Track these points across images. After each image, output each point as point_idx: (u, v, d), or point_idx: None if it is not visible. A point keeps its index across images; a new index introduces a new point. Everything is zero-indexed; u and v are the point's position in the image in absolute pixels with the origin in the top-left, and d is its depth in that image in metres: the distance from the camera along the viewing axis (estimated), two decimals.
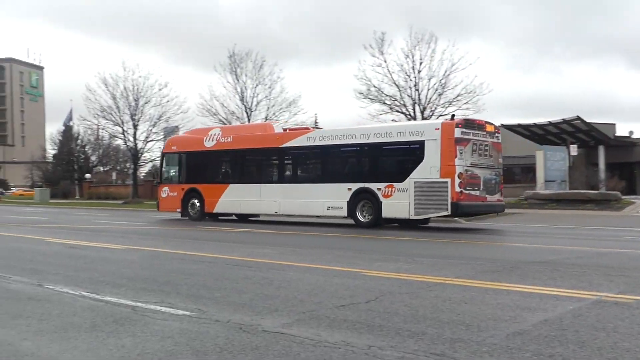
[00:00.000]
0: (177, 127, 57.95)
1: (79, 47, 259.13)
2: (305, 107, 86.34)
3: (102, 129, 62.79)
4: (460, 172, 22.45)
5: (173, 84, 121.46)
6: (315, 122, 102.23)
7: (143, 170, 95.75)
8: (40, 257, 14.21)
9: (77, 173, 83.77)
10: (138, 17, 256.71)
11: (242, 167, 28.59)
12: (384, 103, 46.85)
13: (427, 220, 24.77)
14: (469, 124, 23.36)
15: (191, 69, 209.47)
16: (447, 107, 45.81)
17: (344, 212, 24.81)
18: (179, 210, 29.86)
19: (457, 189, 22.28)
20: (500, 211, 25.37)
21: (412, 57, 46.53)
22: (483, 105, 52.18)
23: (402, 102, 46.68)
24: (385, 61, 46.94)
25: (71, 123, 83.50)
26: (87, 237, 19.48)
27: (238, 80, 51.17)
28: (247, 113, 51.13)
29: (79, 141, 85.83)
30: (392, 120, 44.00)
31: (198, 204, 29.25)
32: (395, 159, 24.11)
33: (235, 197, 28.20)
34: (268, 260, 13.19)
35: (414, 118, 45.91)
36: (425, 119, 45.04)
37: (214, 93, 52.97)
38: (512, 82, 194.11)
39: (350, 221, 25.29)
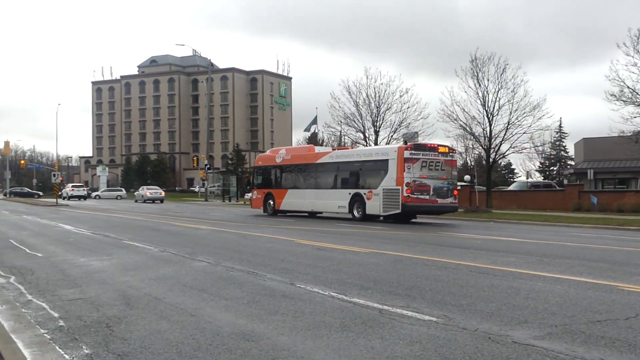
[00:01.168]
0: (416, 132, 58.22)
1: (322, 57, 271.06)
2: (550, 110, 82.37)
3: (345, 135, 64.72)
4: (408, 182, 30.62)
5: (412, 91, 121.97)
6: (560, 127, 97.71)
7: None
8: (291, 257, 15.00)
9: None
10: (376, 24, 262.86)
11: (294, 176, 38.50)
12: None
13: (414, 216, 33.76)
14: (417, 147, 31.59)
15: (426, 76, 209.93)
16: None
17: (346, 210, 33.68)
18: (261, 208, 40.33)
19: (405, 194, 30.63)
20: (453, 210, 33.00)
21: None
22: None
23: None
24: None
25: (315, 129, 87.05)
26: (333, 239, 20.30)
27: (480, 85, 50.33)
28: (488, 118, 50.04)
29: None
30: None
31: (272, 204, 39.55)
32: (373, 171, 32.63)
33: (292, 199, 38.07)
34: (513, 269, 12.84)
35: None
36: None
37: (455, 98, 52.31)
38: None
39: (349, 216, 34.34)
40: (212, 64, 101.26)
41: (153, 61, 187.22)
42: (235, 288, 10.43)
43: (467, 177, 54.02)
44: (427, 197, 31.00)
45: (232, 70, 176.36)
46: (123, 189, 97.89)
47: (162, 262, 14.33)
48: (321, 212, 36.97)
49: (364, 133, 58.61)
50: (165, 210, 46.88)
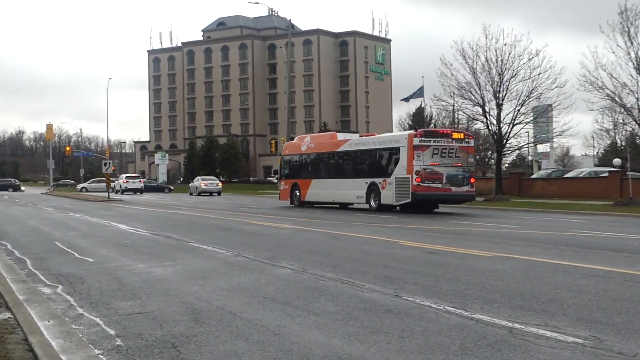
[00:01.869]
0: (550, 105, 56.58)
1: (428, 14, 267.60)
2: None
3: (459, 109, 63.32)
4: (417, 170, 35.64)
5: (544, 53, 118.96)
6: None
7: (506, 160, 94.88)
8: (394, 262, 15.01)
9: None
10: None
11: (318, 165, 44.79)
12: None
13: (435, 205, 38.66)
14: (428, 133, 37.01)
15: (561, 34, 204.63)
16: None
17: (364, 200, 39.11)
18: (288, 199, 46.87)
19: (415, 183, 35.67)
20: (470, 200, 38.49)
21: None
22: None
23: None
24: None
25: (422, 103, 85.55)
26: (447, 240, 20.21)
27: (632, 43, 48.57)
28: None
29: (431, 126, 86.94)
30: None
31: (298, 195, 46.01)
32: (387, 160, 37.85)
33: (316, 189, 44.31)
34: None
35: None
36: None
37: (599, 61, 50.64)
38: None
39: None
40: (292, 26, 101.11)
41: (221, 24, 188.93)
42: (327, 301, 10.48)
43: (616, 161, 52.39)
44: (439, 185, 36.05)
45: (317, 32, 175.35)
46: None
47: (236, 268, 14.54)
48: (345, 203, 42.65)
49: (483, 107, 57.28)
50: (237, 206, 48.02)
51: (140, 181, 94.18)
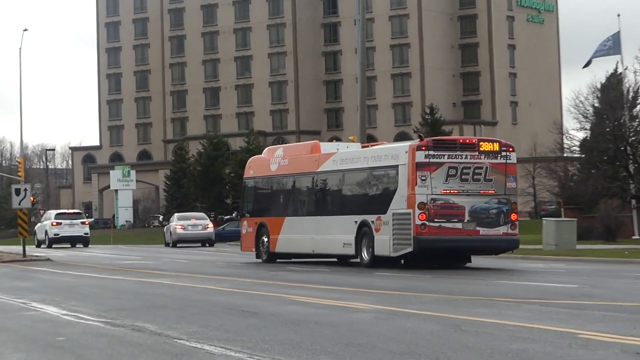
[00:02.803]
0: None
1: None
2: None
3: None
4: (422, 202, 25.74)
5: None
6: None
7: None
8: None
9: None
10: None
11: (292, 195, 32.84)
12: None
13: (467, 257, 28.58)
14: (439, 144, 27.44)
15: None
16: None
17: (353, 250, 28.57)
18: (254, 250, 33.65)
19: (418, 222, 25.64)
20: (512, 248, 28.15)
21: None
22: None
23: None
24: None
25: (619, 65, 50.83)
26: None
27: None
28: None
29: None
30: None
31: (266, 242, 32.72)
32: (382, 185, 28.29)
33: (290, 233, 31.98)
34: None
35: None
36: None
37: None
38: None
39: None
40: None
41: None
42: None
43: None
44: (458, 225, 26.59)
45: None
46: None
47: None
48: (329, 255, 31.97)
49: None
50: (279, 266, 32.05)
51: (84, 223, 61.22)
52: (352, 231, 28.57)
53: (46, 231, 59.05)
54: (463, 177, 26.42)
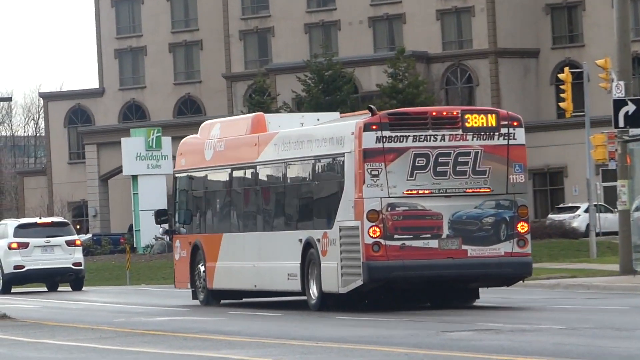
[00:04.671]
0: None
1: None
2: None
3: None
4: (373, 210, 19.12)
5: None
6: None
7: None
8: None
9: None
10: None
11: (229, 198, 25.03)
12: None
13: (468, 292, 21.29)
14: (399, 120, 20.11)
15: None
16: None
17: (298, 284, 21.39)
18: (189, 285, 25.65)
19: (368, 239, 19.01)
20: (519, 275, 20.45)
21: None
22: None
23: None
24: None
25: None
26: None
27: None
28: None
29: None
30: None
31: (202, 274, 24.85)
32: (327, 184, 21.21)
33: (229, 260, 24.28)
34: None
35: None
36: None
37: None
38: None
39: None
40: None
41: None
42: None
43: None
44: (432, 243, 19.35)
45: None
46: None
47: None
48: (272, 292, 24.41)
49: None
50: None
51: (72, 243, 37.66)
52: (297, 255, 21.80)
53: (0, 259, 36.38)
54: (438, 169, 19.64)
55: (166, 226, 27.02)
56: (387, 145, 19.42)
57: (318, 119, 24.28)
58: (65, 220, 43.33)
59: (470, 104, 74.74)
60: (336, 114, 26.41)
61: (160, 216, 27.55)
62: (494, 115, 20.28)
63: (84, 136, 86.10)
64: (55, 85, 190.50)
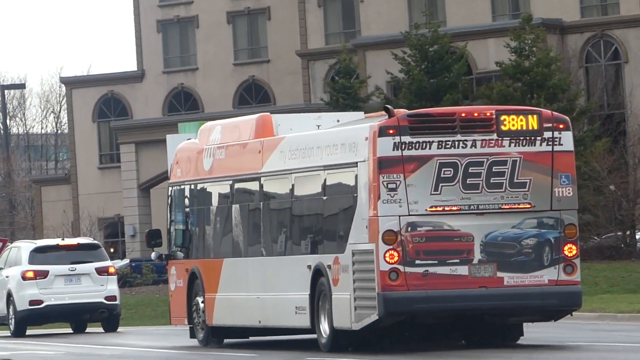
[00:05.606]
0: None
1: None
2: None
3: None
4: (390, 231, 18.50)
5: None
6: None
7: None
8: None
9: None
10: None
11: (231, 219, 24.73)
12: None
13: (513, 329, 20.73)
14: (422, 122, 19.34)
15: None
16: None
17: (307, 319, 21.46)
18: (186, 322, 25.91)
19: (384, 266, 18.27)
20: (567, 307, 19.74)
21: None
22: None
23: None
24: None
25: None
26: None
27: None
28: None
29: None
30: None
31: (202, 306, 24.94)
32: (337, 202, 20.82)
33: (229, 291, 24.24)
34: None
35: None
36: None
37: None
38: None
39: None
40: None
41: None
42: None
43: None
44: (462, 269, 18.64)
45: None
46: None
47: None
48: (278, 329, 24.11)
49: None
50: None
51: (104, 271, 35.80)
52: (305, 284, 21.13)
53: (9, 294, 34.91)
54: (469, 181, 18.78)
55: (160, 250, 27.19)
56: (406, 153, 18.53)
57: (338, 120, 23.55)
58: (95, 242, 41.05)
59: (617, 86, 69.84)
60: (360, 114, 25.47)
61: (153, 238, 27.30)
62: (535, 116, 19.25)
63: (119, 133, 79.38)
64: (81, 68, 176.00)
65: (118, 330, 34.93)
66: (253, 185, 23.32)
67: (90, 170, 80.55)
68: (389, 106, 20.41)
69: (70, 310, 33.98)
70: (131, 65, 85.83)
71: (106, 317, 34.20)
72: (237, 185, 23.96)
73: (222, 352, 23.54)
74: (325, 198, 20.54)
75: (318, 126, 22.65)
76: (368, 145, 18.44)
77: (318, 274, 20.19)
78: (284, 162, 21.83)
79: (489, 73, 67.13)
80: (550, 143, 18.88)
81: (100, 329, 35.16)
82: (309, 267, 20.55)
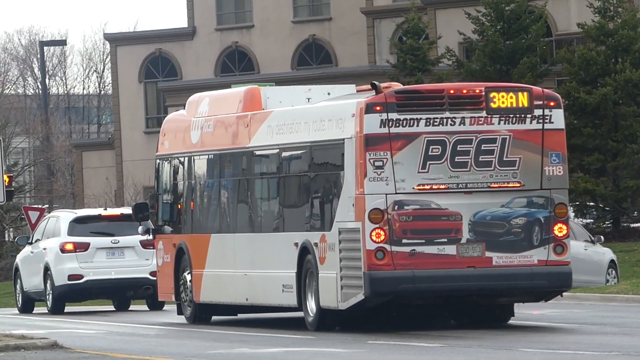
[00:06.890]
0: None
1: None
2: None
3: None
4: (376, 209, 19.26)
5: None
6: None
7: None
8: None
9: None
10: None
11: (219, 194, 25.70)
12: None
13: (507, 309, 21.52)
14: (410, 98, 20.20)
15: None
16: None
17: (294, 297, 22.17)
18: (173, 297, 26.85)
19: (370, 245, 19.10)
20: (557, 287, 20.48)
21: None
22: None
23: None
24: None
25: None
26: None
27: None
28: None
29: None
30: None
31: (189, 283, 25.61)
32: (324, 179, 21.87)
33: (217, 267, 25.03)
34: None
35: None
36: None
37: None
38: None
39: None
40: None
41: None
42: None
43: None
44: (450, 249, 19.50)
45: None
46: None
47: None
48: (265, 307, 24.97)
49: None
50: None
51: (153, 244, 33.66)
52: (292, 262, 21.78)
53: (46, 268, 34.18)
54: (457, 159, 19.45)
55: (148, 224, 26.92)
56: (393, 130, 19.22)
57: (329, 93, 23.75)
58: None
59: None
60: (352, 87, 24.83)
61: (140, 211, 27.62)
62: (525, 93, 19.83)
63: (167, 95, 78.92)
64: (127, 24, 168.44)
65: (164, 308, 33.74)
66: (240, 160, 23.81)
67: (136, 134, 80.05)
68: (375, 82, 20.56)
69: (112, 286, 33.87)
70: (181, 22, 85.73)
71: (151, 293, 33.27)
72: (224, 160, 24.39)
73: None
74: (312, 175, 21.14)
75: (308, 99, 22.90)
76: (355, 122, 18.94)
77: (305, 251, 20.69)
78: (271, 137, 22.19)
79: (570, 35, 66.24)
80: (540, 121, 19.25)
81: (145, 307, 34.98)
82: (296, 244, 20.95)
